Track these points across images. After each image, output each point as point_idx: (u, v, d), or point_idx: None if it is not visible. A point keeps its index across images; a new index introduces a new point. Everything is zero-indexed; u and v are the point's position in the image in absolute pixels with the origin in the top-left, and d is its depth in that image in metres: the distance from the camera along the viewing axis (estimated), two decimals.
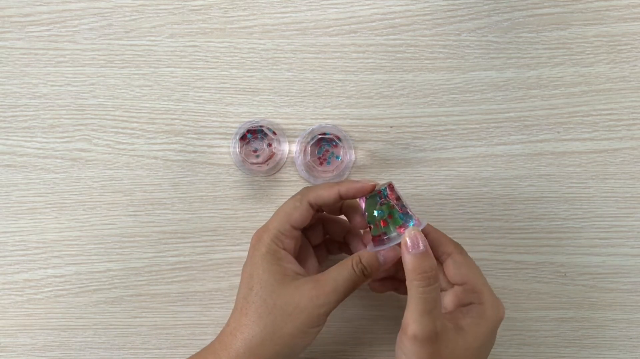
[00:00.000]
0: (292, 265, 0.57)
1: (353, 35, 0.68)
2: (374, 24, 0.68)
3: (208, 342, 0.58)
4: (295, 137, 0.68)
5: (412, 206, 0.59)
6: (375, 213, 0.56)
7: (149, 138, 0.68)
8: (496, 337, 0.58)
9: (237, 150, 0.66)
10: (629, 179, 0.68)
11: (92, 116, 0.68)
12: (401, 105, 0.68)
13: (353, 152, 0.67)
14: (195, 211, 0.68)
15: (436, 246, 0.58)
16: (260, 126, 0.67)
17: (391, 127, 0.68)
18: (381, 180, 0.67)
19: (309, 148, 0.67)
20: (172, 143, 0.68)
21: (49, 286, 0.68)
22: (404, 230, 0.55)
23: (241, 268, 0.59)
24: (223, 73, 0.68)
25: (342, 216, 0.61)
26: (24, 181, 0.68)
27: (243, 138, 0.67)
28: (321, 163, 0.68)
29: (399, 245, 0.55)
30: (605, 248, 0.68)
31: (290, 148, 0.68)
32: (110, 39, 0.68)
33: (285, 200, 0.59)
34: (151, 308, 0.68)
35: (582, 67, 0.68)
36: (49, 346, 0.68)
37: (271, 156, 0.67)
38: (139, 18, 0.68)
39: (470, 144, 0.68)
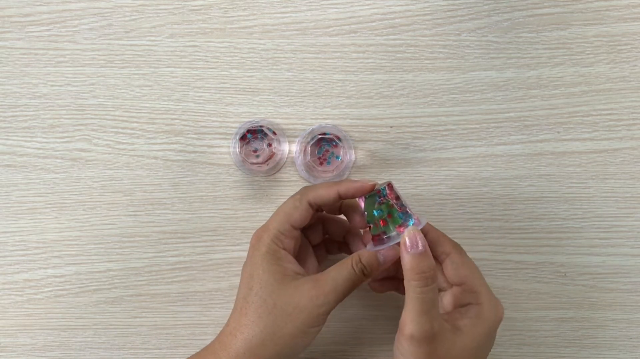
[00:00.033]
0: (292, 264, 0.57)
1: (353, 35, 0.68)
2: (374, 24, 0.68)
3: (208, 342, 0.58)
4: (295, 137, 0.68)
5: (412, 206, 0.59)
6: (375, 212, 0.56)
7: (149, 138, 0.68)
8: (496, 337, 0.58)
9: (237, 150, 0.66)
10: (629, 179, 0.68)
11: (92, 116, 0.68)
12: (401, 105, 0.68)
13: (353, 152, 0.67)
14: (195, 211, 0.68)
15: (435, 246, 0.58)
16: (260, 126, 0.67)
17: (391, 127, 0.68)
18: (381, 180, 0.67)
19: (309, 148, 0.67)
20: (172, 143, 0.68)
21: (49, 286, 0.68)
22: (403, 229, 0.55)
23: (241, 268, 0.59)
24: (223, 73, 0.68)
25: (342, 216, 0.61)
26: (24, 181, 0.68)
27: (243, 138, 0.67)
28: (321, 163, 0.68)
29: (398, 244, 0.55)
30: (605, 248, 0.68)
31: (290, 148, 0.68)
32: (110, 39, 0.68)
33: (285, 200, 0.59)
34: (151, 308, 0.68)
35: (582, 67, 0.68)
36: (49, 346, 0.68)
37: (271, 156, 0.67)
38: (139, 18, 0.68)
39: (470, 144, 0.68)
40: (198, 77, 0.68)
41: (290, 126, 0.68)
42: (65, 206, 0.68)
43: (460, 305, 0.58)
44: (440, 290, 0.59)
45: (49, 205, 0.68)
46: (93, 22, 0.68)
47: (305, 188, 0.59)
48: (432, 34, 0.68)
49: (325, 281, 0.56)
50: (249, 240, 0.59)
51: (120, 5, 0.68)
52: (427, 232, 0.58)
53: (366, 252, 0.57)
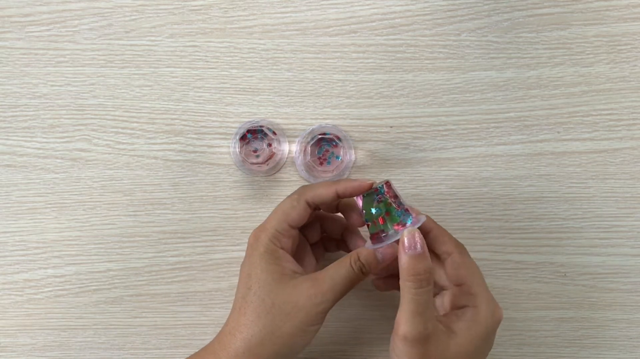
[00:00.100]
0: (290, 263, 0.57)
1: (353, 35, 0.68)
2: (374, 24, 0.68)
3: (208, 342, 0.58)
4: (295, 137, 0.68)
5: (412, 205, 0.59)
6: (373, 210, 0.56)
7: (149, 138, 0.68)
8: (494, 339, 0.57)
9: (237, 150, 0.66)
10: (629, 179, 0.68)
11: (92, 116, 0.68)
12: (401, 105, 0.68)
13: (353, 152, 0.67)
14: (195, 211, 0.68)
15: (437, 244, 0.58)
16: (260, 126, 0.67)
17: (391, 127, 0.68)
18: (380, 179, 0.67)
19: (309, 148, 0.67)
20: (172, 143, 0.68)
21: (49, 286, 0.68)
22: (401, 227, 0.55)
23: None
24: (223, 73, 0.68)
25: (339, 214, 0.61)
26: (24, 181, 0.68)
27: (243, 138, 0.67)
28: (321, 163, 0.68)
29: (397, 242, 0.54)
30: (605, 248, 0.68)
31: (290, 148, 0.68)
32: (110, 39, 0.68)
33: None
34: (151, 308, 0.68)
35: (582, 67, 0.68)
36: (49, 346, 0.68)
37: (271, 156, 0.67)
38: (139, 18, 0.68)
39: (470, 144, 0.68)
40: (198, 77, 0.68)
41: (290, 126, 0.68)
42: (65, 206, 0.68)
43: (457, 307, 0.57)
44: (442, 289, 0.59)
45: (49, 205, 0.68)
46: (93, 22, 0.68)
47: (303, 187, 0.59)
48: (432, 34, 0.68)
49: (323, 280, 0.56)
50: None
51: (120, 5, 0.68)
52: (430, 230, 0.58)
53: (365, 250, 0.56)
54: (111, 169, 0.68)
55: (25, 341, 0.68)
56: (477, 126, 0.68)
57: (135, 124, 0.68)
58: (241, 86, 0.68)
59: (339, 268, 0.56)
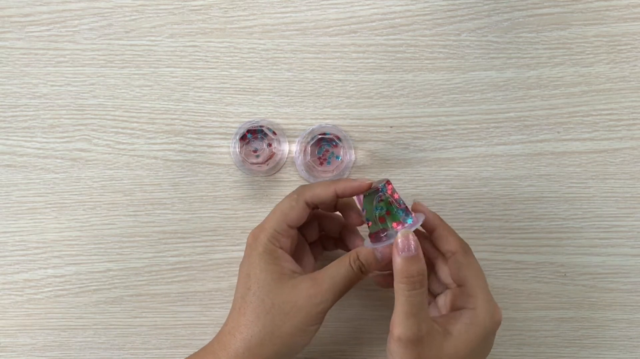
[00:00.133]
0: (289, 263, 0.57)
1: (353, 35, 0.68)
2: (374, 24, 0.68)
3: (208, 342, 0.58)
4: (295, 137, 0.68)
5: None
6: (374, 210, 0.56)
7: (149, 138, 0.68)
8: (493, 341, 0.57)
9: (237, 150, 0.66)
10: (629, 179, 0.68)
11: (92, 116, 0.68)
12: (401, 105, 0.68)
13: (353, 152, 0.67)
14: (195, 211, 0.68)
15: (442, 243, 0.58)
16: (260, 126, 0.67)
17: (391, 127, 0.68)
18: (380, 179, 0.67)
19: (309, 148, 0.67)
20: (172, 143, 0.68)
21: (49, 286, 0.68)
22: (401, 226, 0.55)
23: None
24: (223, 73, 0.68)
25: (337, 213, 0.61)
26: (24, 182, 0.68)
27: (243, 138, 0.67)
28: (321, 163, 0.68)
29: None
30: (605, 248, 0.68)
31: (290, 148, 0.68)
32: (110, 39, 0.68)
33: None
34: (151, 308, 0.68)
35: (582, 67, 0.68)
36: (49, 346, 0.68)
37: (271, 156, 0.67)
38: (139, 18, 0.68)
39: (470, 144, 0.68)
40: (198, 77, 0.68)
41: (290, 126, 0.68)
42: (65, 206, 0.68)
43: (456, 308, 0.57)
44: (447, 288, 0.59)
45: (49, 205, 0.68)
46: (93, 22, 0.68)
47: (301, 187, 0.59)
48: (432, 34, 0.68)
49: (322, 279, 0.56)
50: None
51: (120, 5, 0.68)
52: (435, 228, 0.58)
53: (364, 249, 0.56)
54: (111, 169, 0.68)
55: (25, 341, 0.68)
56: (477, 126, 0.68)
57: (135, 124, 0.68)
58: (241, 86, 0.68)
59: (339, 268, 0.56)
